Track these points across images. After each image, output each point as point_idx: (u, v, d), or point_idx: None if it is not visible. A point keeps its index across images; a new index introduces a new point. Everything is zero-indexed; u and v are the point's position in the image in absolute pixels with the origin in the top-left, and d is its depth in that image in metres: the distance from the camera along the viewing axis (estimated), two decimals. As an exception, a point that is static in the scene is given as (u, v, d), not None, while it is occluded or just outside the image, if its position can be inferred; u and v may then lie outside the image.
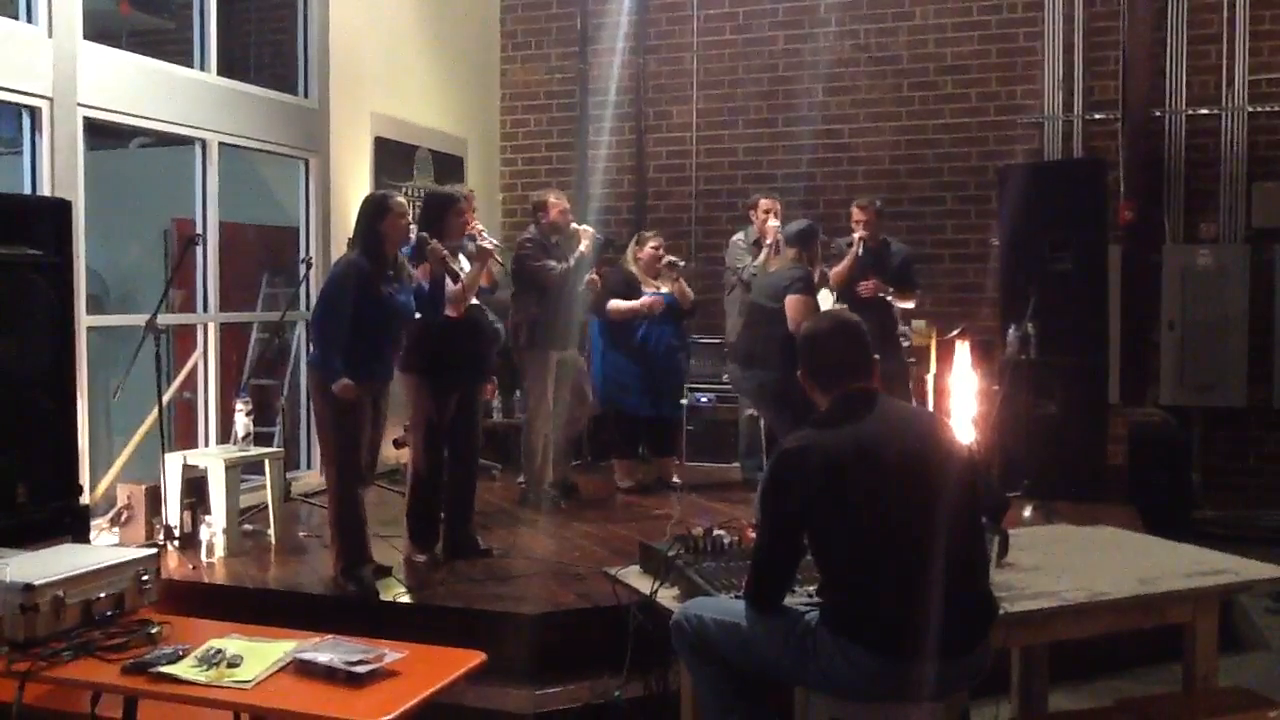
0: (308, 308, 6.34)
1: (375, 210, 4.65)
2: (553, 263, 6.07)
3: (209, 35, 6.37)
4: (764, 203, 6.76)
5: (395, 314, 4.68)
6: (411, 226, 4.93)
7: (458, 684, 3.00)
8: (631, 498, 6.62)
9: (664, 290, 6.65)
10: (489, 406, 7.11)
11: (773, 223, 6.55)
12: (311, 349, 4.85)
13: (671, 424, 7.09)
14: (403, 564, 5.04)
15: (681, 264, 6.77)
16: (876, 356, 3.05)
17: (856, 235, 6.48)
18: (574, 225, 6.28)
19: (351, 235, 4.76)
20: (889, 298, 6.53)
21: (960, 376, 6.72)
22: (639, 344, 6.59)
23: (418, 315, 4.81)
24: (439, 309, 4.88)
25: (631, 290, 6.63)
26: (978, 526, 2.96)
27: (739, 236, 7.00)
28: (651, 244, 6.71)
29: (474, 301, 5.16)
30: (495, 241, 5.41)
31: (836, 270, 6.41)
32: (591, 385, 6.64)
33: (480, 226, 5.73)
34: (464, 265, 5.14)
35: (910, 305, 6.75)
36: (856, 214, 6.54)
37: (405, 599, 4.66)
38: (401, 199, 4.76)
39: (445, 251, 4.83)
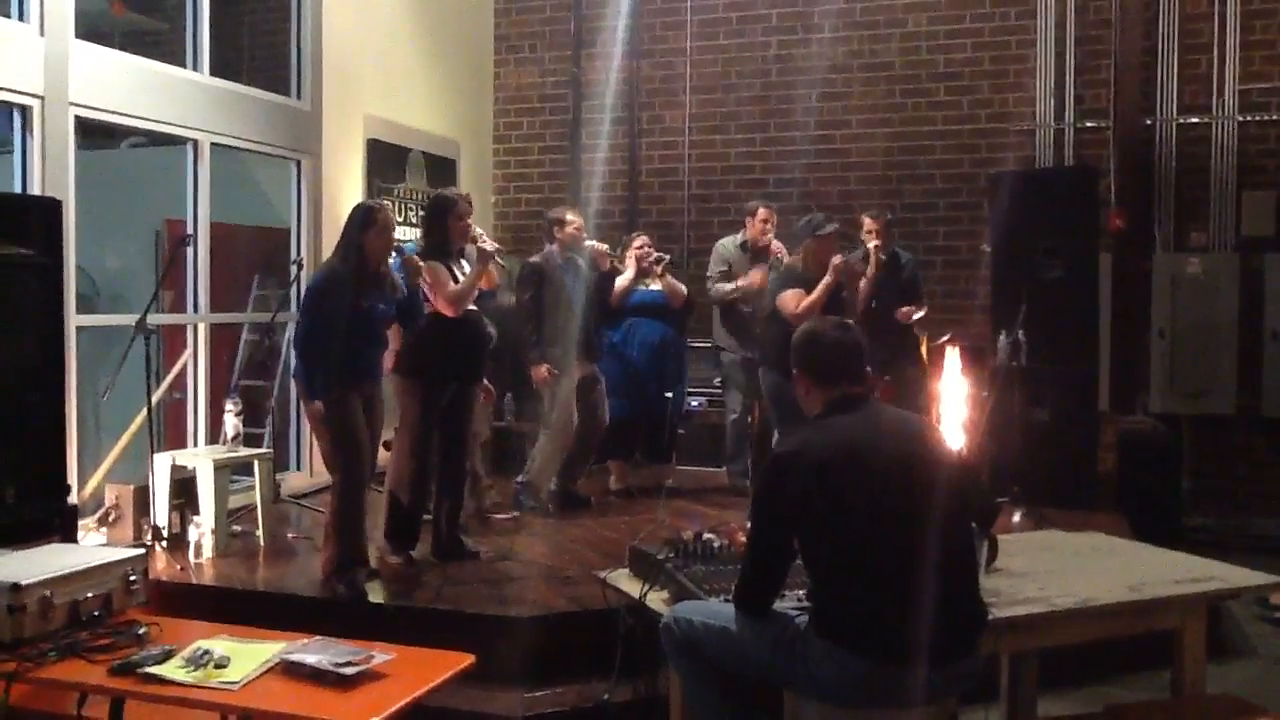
0: (298, 309, 6.32)
1: (360, 221, 4.65)
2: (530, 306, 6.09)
3: (202, 35, 6.35)
4: (762, 211, 6.65)
5: (375, 322, 4.68)
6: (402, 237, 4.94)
7: (446, 686, 3.00)
8: (622, 501, 6.60)
9: (654, 287, 6.63)
10: (501, 410, 7.09)
11: (775, 242, 6.50)
12: (295, 361, 4.85)
13: (663, 429, 7.02)
14: (378, 566, 4.99)
15: (667, 258, 6.70)
16: (869, 369, 3.06)
17: (871, 245, 6.33)
18: (587, 242, 6.27)
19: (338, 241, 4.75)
20: (915, 315, 6.44)
21: (951, 382, 6.73)
22: (619, 344, 6.55)
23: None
24: (418, 318, 4.89)
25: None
26: (968, 532, 2.96)
27: (725, 241, 6.86)
28: (636, 243, 6.65)
29: (471, 306, 5.15)
30: (495, 245, 5.40)
31: (859, 298, 6.24)
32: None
33: (479, 230, 5.76)
34: (465, 268, 5.15)
35: (922, 314, 6.55)
36: (869, 224, 6.40)
37: (395, 601, 4.64)
38: (388, 212, 4.75)
39: (421, 264, 4.84)
